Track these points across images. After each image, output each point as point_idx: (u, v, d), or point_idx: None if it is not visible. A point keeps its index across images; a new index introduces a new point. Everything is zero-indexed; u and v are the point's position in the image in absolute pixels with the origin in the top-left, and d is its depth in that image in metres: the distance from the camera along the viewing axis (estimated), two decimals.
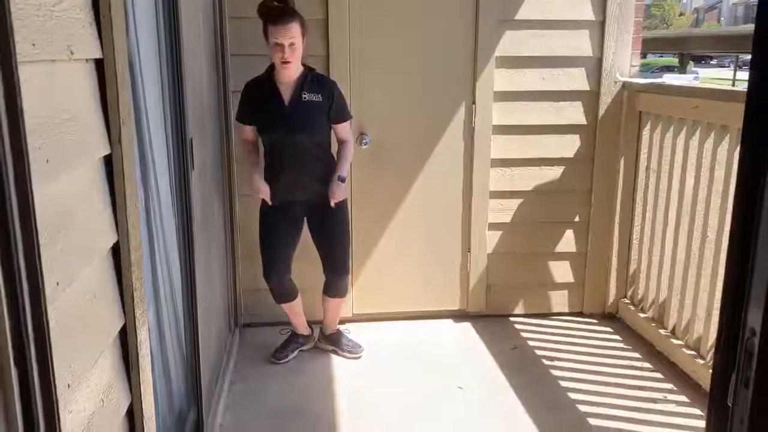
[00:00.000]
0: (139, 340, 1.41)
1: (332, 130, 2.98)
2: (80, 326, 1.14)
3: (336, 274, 3.08)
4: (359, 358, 3.20)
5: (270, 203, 2.92)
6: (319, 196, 2.95)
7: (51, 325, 0.90)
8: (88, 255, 1.21)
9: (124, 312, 1.37)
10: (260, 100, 2.89)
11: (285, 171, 2.90)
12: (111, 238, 1.31)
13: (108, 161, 1.30)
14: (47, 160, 0.99)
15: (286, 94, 2.87)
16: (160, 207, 1.93)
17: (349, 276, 3.19)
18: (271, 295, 3.12)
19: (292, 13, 2.78)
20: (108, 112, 1.28)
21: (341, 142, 3.01)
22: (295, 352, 3.19)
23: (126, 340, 1.39)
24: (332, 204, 2.93)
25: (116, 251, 1.34)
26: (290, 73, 2.84)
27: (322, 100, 2.87)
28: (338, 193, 2.92)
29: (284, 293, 3.09)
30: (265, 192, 2.90)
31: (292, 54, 2.77)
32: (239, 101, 2.96)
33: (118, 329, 1.35)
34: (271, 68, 2.90)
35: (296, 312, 3.18)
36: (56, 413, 0.89)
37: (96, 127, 1.24)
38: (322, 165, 2.95)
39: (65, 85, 1.11)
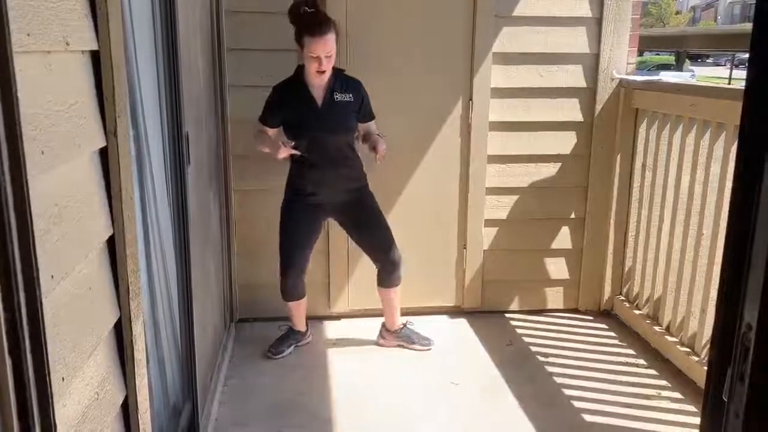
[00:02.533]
0: (134, 334, 1.40)
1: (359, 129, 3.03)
2: (75, 319, 1.14)
3: (391, 262, 3.09)
4: (430, 350, 3.22)
5: (299, 153, 2.84)
6: (348, 194, 3.00)
7: (46, 317, 0.90)
8: (83, 248, 1.20)
9: (119, 305, 1.36)
10: (292, 102, 2.90)
11: (315, 170, 2.92)
12: (106, 231, 1.30)
13: (103, 154, 1.29)
14: (42, 152, 0.98)
15: (319, 95, 2.90)
16: (156, 201, 1.93)
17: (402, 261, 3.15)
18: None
19: (328, 22, 2.78)
20: (103, 105, 1.28)
21: (369, 134, 3.04)
22: (291, 348, 3.20)
23: (121, 334, 1.38)
24: (377, 159, 2.92)
25: (111, 244, 1.33)
26: (323, 80, 2.88)
27: (353, 100, 2.93)
28: (381, 146, 2.91)
29: (296, 292, 3.12)
30: (288, 143, 2.82)
31: (327, 64, 2.81)
32: (266, 104, 2.95)
33: (113, 323, 1.34)
34: (300, 69, 2.91)
35: (300, 310, 3.19)
36: (51, 406, 0.89)
37: (91, 119, 1.23)
38: (351, 164, 3.00)
39: (61, 76, 1.10)
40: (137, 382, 1.43)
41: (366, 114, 3.01)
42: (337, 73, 2.93)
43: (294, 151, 2.83)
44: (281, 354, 3.14)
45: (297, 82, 2.91)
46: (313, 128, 2.89)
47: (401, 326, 3.27)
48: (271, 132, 2.98)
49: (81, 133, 1.18)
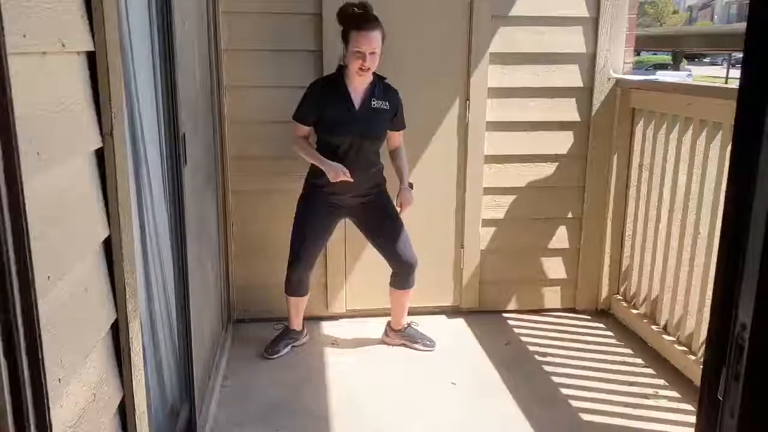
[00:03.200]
0: (131, 335, 1.40)
1: (387, 137, 3.06)
2: (72, 320, 1.14)
3: (408, 264, 3.10)
4: (432, 350, 3.23)
5: (351, 179, 2.87)
6: (366, 196, 3.02)
7: (41, 319, 0.90)
8: (79, 249, 1.20)
9: (116, 306, 1.36)
10: (330, 101, 2.91)
11: None
12: (103, 232, 1.30)
13: (100, 155, 1.29)
14: (38, 153, 0.98)
15: (357, 98, 2.92)
16: (153, 202, 1.93)
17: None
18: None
19: (375, 20, 2.82)
20: (100, 105, 1.28)
21: (396, 149, 3.11)
22: (288, 348, 3.19)
23: (118, 335, 1.38)
24: (402, 213, 3.03)
25: (108, 245, 1.33)
26: (365, 80, 2.90)
27: (389, 108, 2.96)
28: (408, 200, 3.03)
29: (300, 287, 3.13)
30: (345, 170, 2.86)
31: (371, 62, 2.82)
32: (303, 99, 2.95)
33: (110, 324, 1.34)
34: (341, 69, 2.93)
35: (300, 308, 3.20)
36: (47, 407, 0.89)
37: (88, 120, 1.23)
38: (375, 169, 3.03)
39: (57, 78, 1.10)
40: (134, 383, 1.43)
41: (398, 123, 3.04)
42: (378, 79, 2.95)
43: (348, 179, 2.87)
44: (277, 354, 3.14)
45: (337, 81, 2.93)
46: (348, 131, 2.90)
47: (405, 326, 3.29)
48: (305, 131, 2.98)
49: (77, 134, 1.18)
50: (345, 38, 2.85)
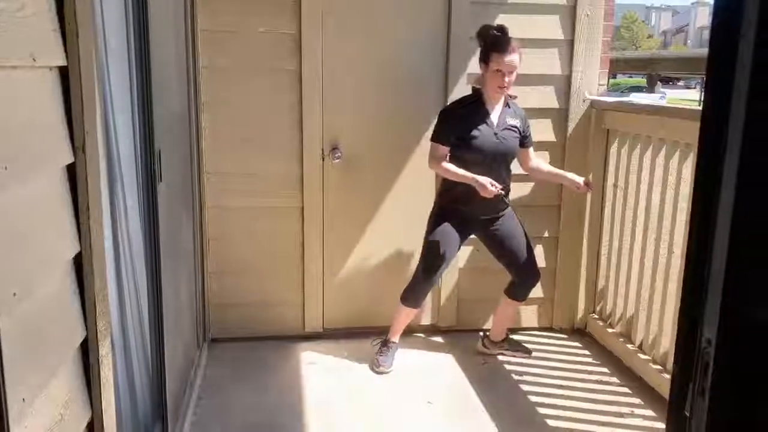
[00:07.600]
0: (101, 354, 1.38)
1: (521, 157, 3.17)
2: (38, 338, 1.12)
3: (533, 275, 3.22)
4: (528, 357, 3.34)
5: (503, 193, 2.97)
6: (497, 216, 3.11)
7: (3, 336, 0.88)
8: (49, 265, 1.18)
9: (86, 324, 1.34)
10: (471, 119, 3.00)
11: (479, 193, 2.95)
12: (73, 248, 1.29)
13: (72, 170, 1.28)
14: (5, 167, 0.97)
15: (495, 116, 3.03)
16: (127, 218, 1.91)
17: None
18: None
19: (515, 45, 2.93)
20: (72, 120, 1.27)
21: (536, 164, 3.22)
22: (393, 359, 3.23)
23: (88, 353, 1.36)
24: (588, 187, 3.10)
25: (79, 262, 1.31)
26: (501, 100, 3.03)
27: (519, 125, 3.08)
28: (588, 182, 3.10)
29: (423, 299, 3.23)
30: (494, 182, 2.89)
31: (510, 83, 2.94)
32: (442, 122, 3.02)
33: (80, 341, 1.32)
34: (477, 91, 3.05)
35: (410, 319, 3.27)
36: (6, 428, 0.87)
37: (59, 135, 1.22)
38: (507, 186, 3.10)
39: (27, 92, 1.10)
40: (104, 402, 1.40)
41: (529, 140, 3.15)
42: (509, 98, 3.08)
43: (500, 192, 2.91)
44: (390, 366, 3.19)
45: (475, 101, 3.02)
46: (489, 148, 2.99)
47: (506, 336, 3.41)
48: (444, 151, 3.01)
49: (48, 149, 1.17)
50: (485, 59, 2.95)
